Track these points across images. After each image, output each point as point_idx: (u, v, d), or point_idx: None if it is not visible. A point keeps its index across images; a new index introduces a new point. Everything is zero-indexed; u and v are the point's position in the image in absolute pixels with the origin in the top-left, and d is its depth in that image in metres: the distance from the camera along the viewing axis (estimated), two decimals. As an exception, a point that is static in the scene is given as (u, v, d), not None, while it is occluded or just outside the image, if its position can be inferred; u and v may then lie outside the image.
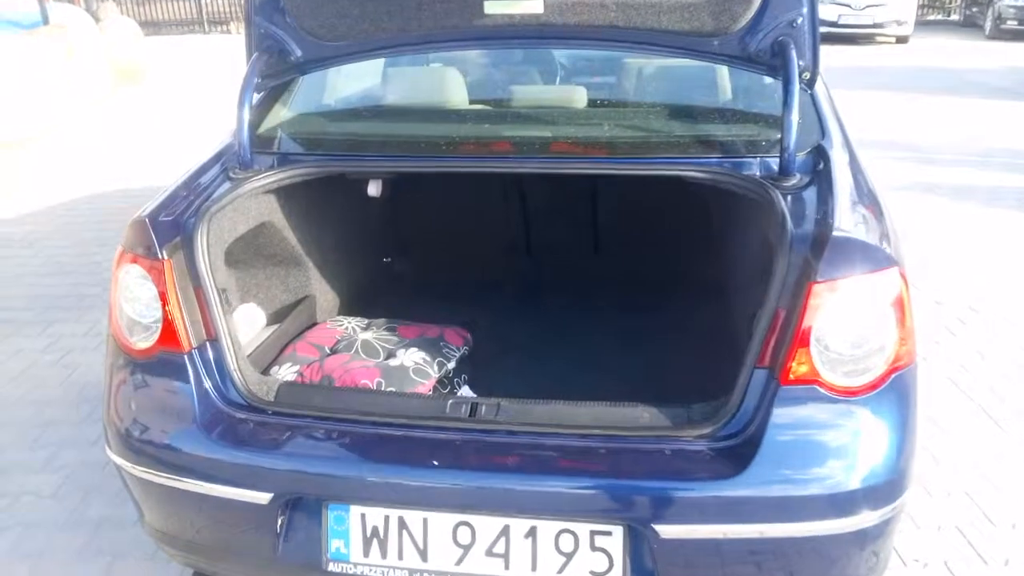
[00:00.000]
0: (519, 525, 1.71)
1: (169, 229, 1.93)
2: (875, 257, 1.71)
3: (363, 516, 1.76)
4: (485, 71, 3.24)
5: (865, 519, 1.66)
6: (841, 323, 1.67)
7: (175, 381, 1.86)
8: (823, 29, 2.06)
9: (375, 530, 1.76)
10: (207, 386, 1.86)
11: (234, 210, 2.09)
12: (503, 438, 1.75)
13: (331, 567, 1.78)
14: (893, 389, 1.69)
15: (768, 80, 2.23)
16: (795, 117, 1.94)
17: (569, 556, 1.69)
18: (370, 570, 1.76)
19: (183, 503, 1.86)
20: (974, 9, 17.53)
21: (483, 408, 1.81)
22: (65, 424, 3.22)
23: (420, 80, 2.83)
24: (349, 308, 2.76)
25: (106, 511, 2.70)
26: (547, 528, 1.70)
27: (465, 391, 2.27)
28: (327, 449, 1.79)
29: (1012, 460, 2.87)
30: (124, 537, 2.57)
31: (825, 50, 2.09)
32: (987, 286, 4.33)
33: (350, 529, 1.77)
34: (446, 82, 2.71)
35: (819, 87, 2.27)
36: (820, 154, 2.08)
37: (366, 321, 2.50)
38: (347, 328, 2.44)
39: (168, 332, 1.87)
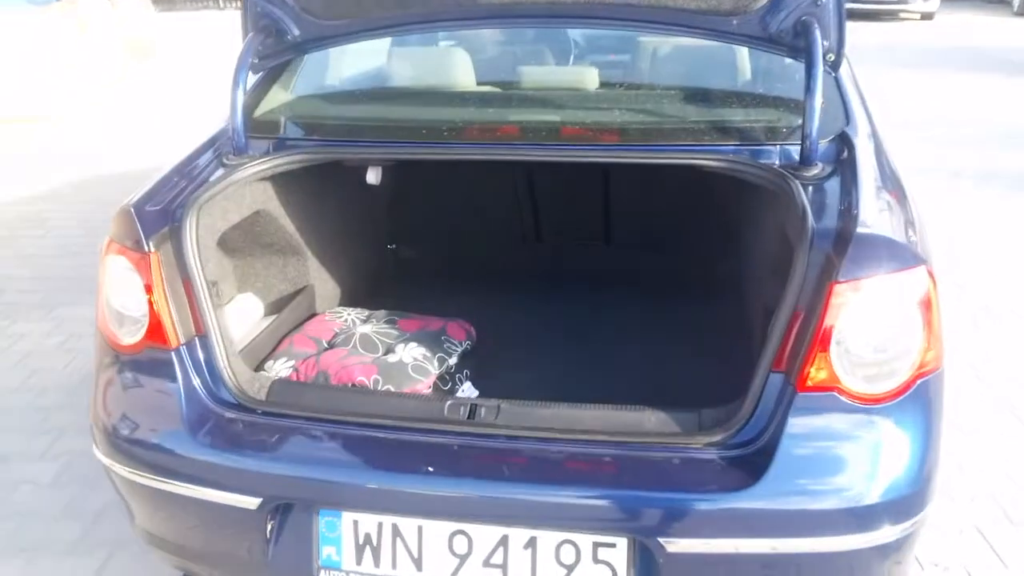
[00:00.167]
0: (518, 535, 1.63)
1: (157, 219, 1.84)
2: (902, 255, 1.59)
3: (355, 523, 1.68)
4: (493, 50, 3.12)
5: (885, 534, 1.56)
6: (864, 326, 1.56)
7: (162, 379, 1.78)
8: (847, 5, 1.92)
9: (368, 537, 1.68)
10: (195, 384, 1.78)
11: (226, 198, 2.00)
12: (502, 443, 1.67)
13: (322, 575, 1.71)
14: (918, 396, 1.58)
15: (790, 62, 2.10)
16: (818, 102, 1.82)
17: (570, 568, 1.61)
18: None
19: (171, 506, 1.79)
20: (1002, -15, 17.12)
21: (482, 410, 1.72)
22: (67, 410, 3.17)
23: (424, 61, 2.72)
24: (350, 298, 2.68)
25: (105, 501, 2.64)
26: (547, 539, 1.62)
27: (467, 387, 2.19)
28: (318, 452, 1.71)
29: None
30: (123, 529, 2.51)
31: (848, 27, 1.96)
32: (1013, 275, 4.19)
33: (342, 536, 1.69)
34: (451, 63, 2.59)
35: (844, 70, 2.14)
36: (844, 142, 1.95)
37: (366, 313, 2.42)
38: (346, 320, 2.36)
39: (155, 327, 1.79)
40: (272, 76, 2.41)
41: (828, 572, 1.59)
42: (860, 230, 1.58)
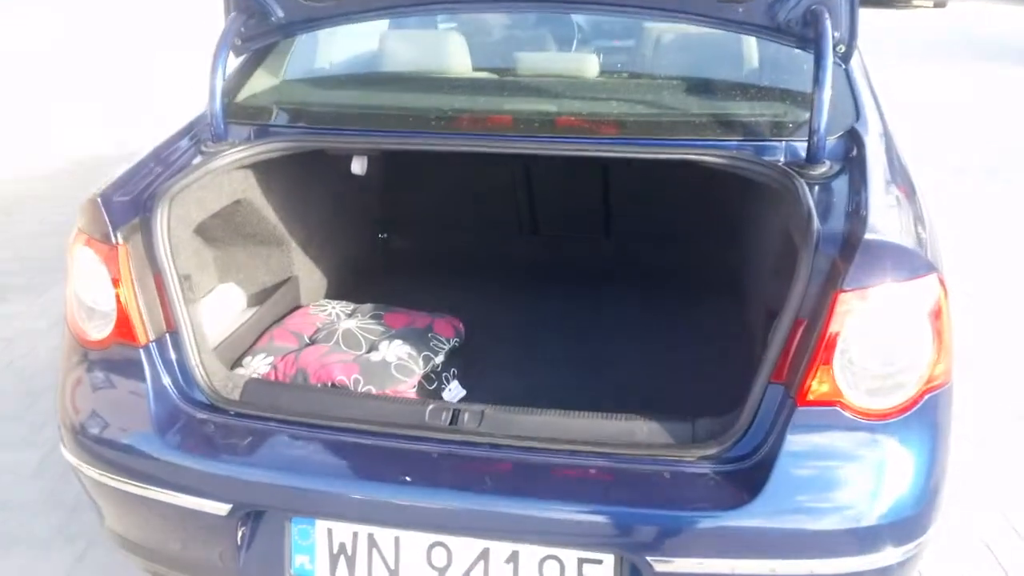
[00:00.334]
0: (500, 549, 1.55)
1: (126, 209, 1.75)
2: (912, 262, 1.50)
3: (330, 531, 1.61)
4: (492, 34, 3.01)
5: (888, 556, 1.48)
6: (870, 338, 1.47)
7: (130, 377, 1.70)
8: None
9: (342, 547, 1.61)
10: (165, 383, 1.70)
11: (202, 187, 1.91)
12: (485, 452, 1.58)
13: None
14: (925, 412, 1.49)
15: (798, 53, 2.00)
16: (827, 96, 1.72)
17: (554, 585, 1.53)
18: None
19: (140, 509, 1.72)
20: (1019, -28, 16.81)
21: (465, 416, 1.64)
22: (50, 396, 3.09)
23: (416, 45, 2.61)
24: (337, 289, 2.59)
25: (83, 493, 2.58)
26: (530, 553, 1.54)
27: (454, 387, 2.11)
28: (290, 457, 1.62)
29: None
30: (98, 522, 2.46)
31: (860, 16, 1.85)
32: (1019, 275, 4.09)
33: (315, 544, 1.62)
34: (445, 47, 2.48)
35: (855, 62, 2.03)
36: (853, 138, 1.85)
37: (352, 306, 2.33)
38: (330, 314, 2.27)
39: (123, 324, 1.70)
40: (256, 59, 2.31)
41: None
42: (868, 235, 1.48)
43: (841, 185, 1.71)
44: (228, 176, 2.01)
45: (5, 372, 3.28)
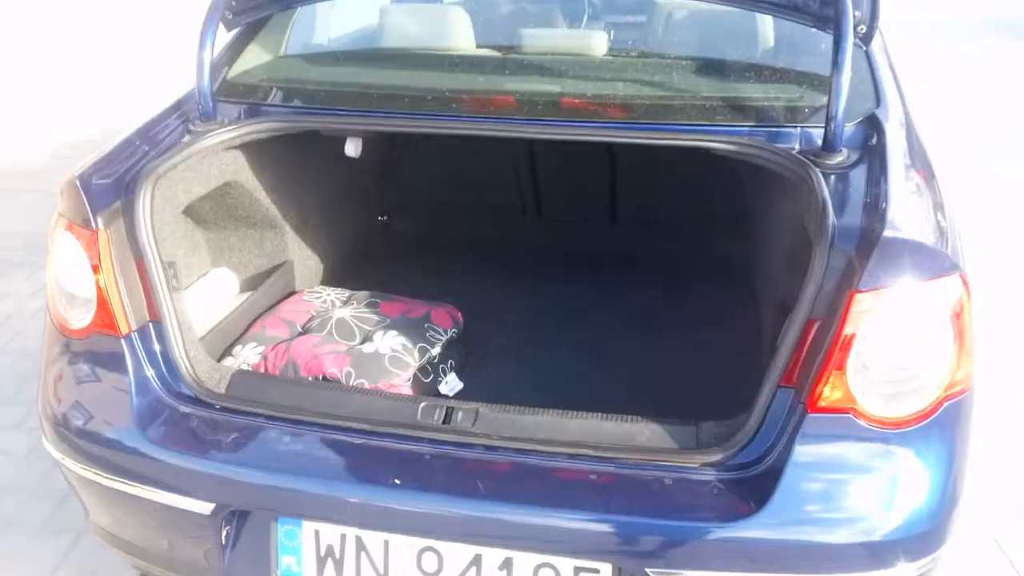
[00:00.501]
0: (492, 555, 1.48)
1: (107, 192, 1.67)
2: (934, 261, 1.41)
3: (317, 533, 1.54)
4: (498, 9, 2.89)
5: (901, 572, 1.40)
6: (888, 341, 1.39)
7: (111, 369, 1.63)
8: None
9: (330, 549, 1.54)
10: (148, 375, 1.64)
11: (189, 169, 1.83)
12: (479, 454, 1.51)
13: None
14: (944, 421, 1.41)
15: (816, 33, 1.89)
16: (846, 79, 1.62)
17: (549, 594, 1.47)
18: None
19: (122, 504, 1.66)
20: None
21: (459, 414, 1.57)
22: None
23: (417, 20, 2.50)
24: (335, 274, 2.51)
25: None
26: (524, 561, 1.47)
27: (451, 379, 2.03)
28: (275, 456, 1.55)
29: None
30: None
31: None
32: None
33: (302, 546, 1.56)
34: (446, 23, 2.37)
35: (876, 44, 1.93)
36: (873, 125, 1.75)
37: (347, 293, 2.25)
38: (324, 301, 2.19)
39: (103, 313, 1.63)
40: (249, 34, 2.21)
41: None
42: (888, 232, 1.39)
43: (859, 176, 1.61)
44: (217, 157, 1.92)
45: (1, 352, 3.24)
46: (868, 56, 1.92)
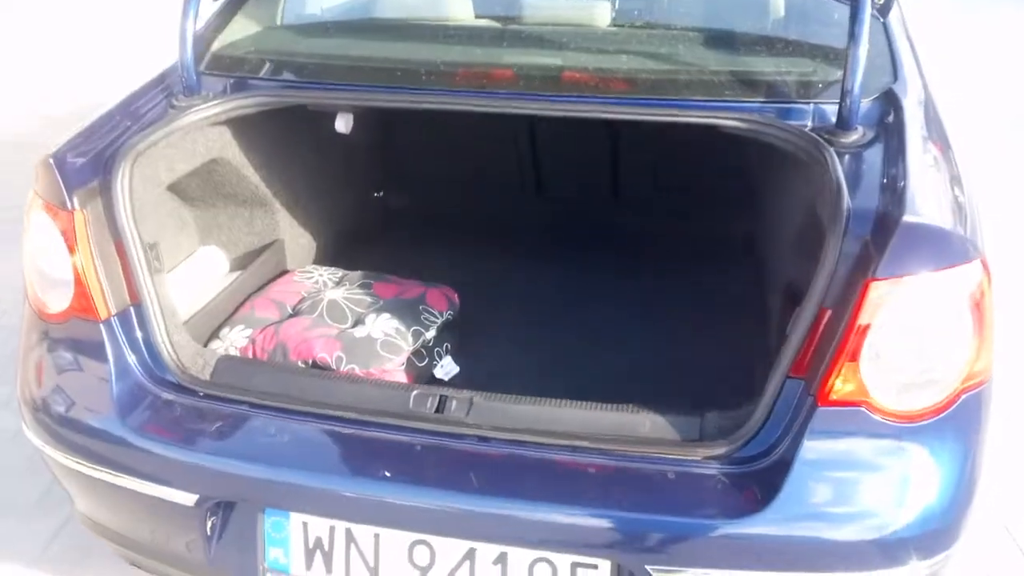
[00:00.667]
0: (487, 549, 1.43)
1: (84, 171, 1.60)
2: (954, 248, 1.34)
3: (305, 525, 1.49)
4: None
5: (912, 570, 1.34)
6: (904, 331, 1.32)
7: (90, 355, 1.57)
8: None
9: (319, 541, 1.49)
10: (129, 361, 1.57)
11: (171, 146, 1.75)
12: (472, 445, 1.45)
13: None
14: (961, 414, 1.35)
15: (831, 3, 1.80)
16: (863, 53, 1.53)
17: (546, 590, 1.41)
18: None
19: (105, 493, 1.61)
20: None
21: (452, 403, 1.51)
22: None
23: None
24: (328, 252, 2.44)
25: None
26: (520, 556, 1.42)
27: (447, 362, 1.97)
28: (261, 445, 1.49)
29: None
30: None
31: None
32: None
33: (290, 538, 1.50)
34: None
35: (894, 15, 1.84)
36: (891, 101, 1.67)
37: (340, 273, 2.18)
38: (316, 281, 2.12)
39: (81, 297, 1.57)
40: (237, 3, 2.12)
41: None
42: (907, 217, 1.32)
43: (875, 155, 1.54)
44: (202, 133, 1.84)
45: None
46: (886, 28, 1.83)
